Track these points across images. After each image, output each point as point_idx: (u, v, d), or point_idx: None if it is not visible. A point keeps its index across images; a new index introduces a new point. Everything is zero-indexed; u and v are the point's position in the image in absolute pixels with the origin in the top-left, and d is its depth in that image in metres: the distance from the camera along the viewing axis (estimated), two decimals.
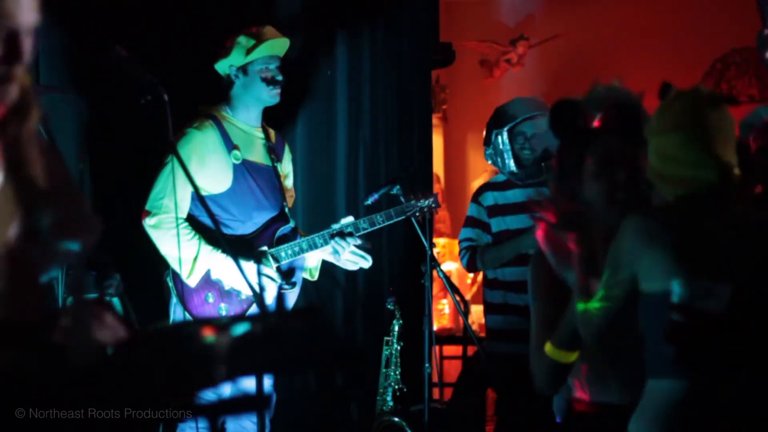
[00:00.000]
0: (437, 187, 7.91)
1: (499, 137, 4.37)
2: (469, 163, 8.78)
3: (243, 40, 3.87)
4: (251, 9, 4.62)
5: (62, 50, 4.16)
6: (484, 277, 4.51)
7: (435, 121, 7.58)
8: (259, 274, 3.75)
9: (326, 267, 4.22)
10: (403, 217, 4.01)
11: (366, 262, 3.98)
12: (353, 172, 4.87)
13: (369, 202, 4.10)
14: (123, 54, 3.03)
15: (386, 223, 4.00)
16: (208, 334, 1.26)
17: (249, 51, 3.86)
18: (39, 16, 1.40)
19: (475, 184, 7.57)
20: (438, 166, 8.19)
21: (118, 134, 4.23)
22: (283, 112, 4.75)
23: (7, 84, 1.37)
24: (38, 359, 1.19)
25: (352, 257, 3.95)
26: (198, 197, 2.90)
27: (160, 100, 2.95)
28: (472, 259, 4.35)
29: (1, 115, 1.37)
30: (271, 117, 4.14)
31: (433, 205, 4.07)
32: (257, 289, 3.61)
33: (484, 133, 4.48)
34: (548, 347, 2.39)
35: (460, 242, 4.45)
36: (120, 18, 4.30)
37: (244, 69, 3.88)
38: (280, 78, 3.90)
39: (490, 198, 4.38)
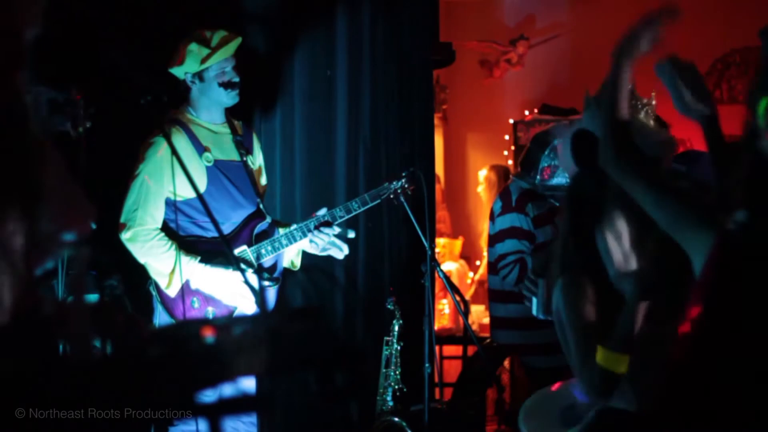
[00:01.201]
0: (438, 187, 7.90)
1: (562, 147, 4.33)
2: (469, 163, 8.78)
3: (195, 48, 3.84)
4: (252, 10, 4.62)
5: (62, 50, 4.15)
6: (497, 291, 4.49)
7: (435, 121, 7.56)
8: (259, 277, 3.75)
9: (326, 267, 4.22)
10: (378, 200, 4.01)
11: (341, 252, 3.98)
12: (353, 172, 4.87)
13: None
14: (120, 58, 3.03)
15: (362, 209, 3.99)
16: (208, 334, 1.26)
17: (203, 60, 3.83)
18: (42, 23, 1.38)
19: (481, 174, 7.55)
20: (438, 166, 8.18)
21: (117, 134, 4.22)
22: (283, 112, 4.75)
23: (2, 89, 1.34)
24: (38, 360, 1.19)
25: (330, 247, 3.95)
26: (200, 199, 2.90)
27: (161, 101, 2.96)
28: (523, 273, 4.27)
29: None
30: (271, 117, 4.14)
31: (406, 185, 4.06)
32: (257, 289, 3.62)
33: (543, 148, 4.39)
34: (601, 354, 2.35)
35: (505, 255, 4.35)
36: (120, 18, 4.30)
37: (199, 75, 3.86)
38: (237, 80, 3.89)
39: (531, 208, 4.36)
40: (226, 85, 3.86)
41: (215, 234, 3.80)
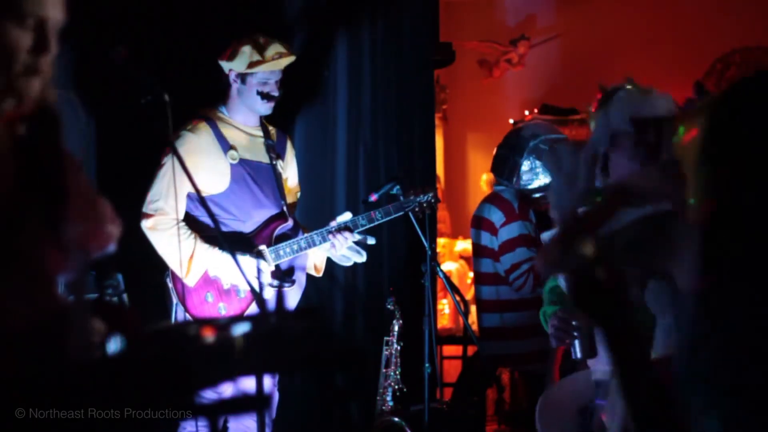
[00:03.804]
0: (438, 187, 7.90)
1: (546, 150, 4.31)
2: (469, 163, 8.78)
3: (247, 50, 3.84)
4: (252, 9, 4.62)
5: (62, 50, 4.15)
6: (492, 301, 4.48)
7: (435, 121, 7.56)
8: (258, 270, 3.76)
9: (326, 267, 4.21)
10: (402, 212, 4.02)
11: (360, 257, 3.99)
12: (353, 172, 4.87)
13: (369, 202, 4.10)
14: (124, 54, 3.03)
15: (385, 219, 4.00)
16: (209, 334, 1.26)
17: (250, 65, 3.84)
18: (64, 14, 1.40)
19: (485, 177, 7.55)
20: (438, 166, 8.18)
21: (118, 134, 4.23)
22: (284, 112, 4.75)
23: (32, 76, 1.36)
24: (41, 361, 1.19)
25: (347, 252, 3.96)
26: (199, 198, 2.90)
27: (161, 101, 2.95)
28: (537, 279, 4.20)
29: (20, 116, 1.36)
30: (271, 117, 4.14)
31: (432, 200, 4.06)
32: (256, 286, 3.62)
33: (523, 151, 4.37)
34: None
35: (518, 265, 4.33)
36: (120, 17, 4.30)
37: (242, 77, 3.87)
38: (276, 94, 3.91)
39: (533, 214, 4.36)
40: (264, 96, 3.87)
41: (235, 230, 3.82)
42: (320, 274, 4.12)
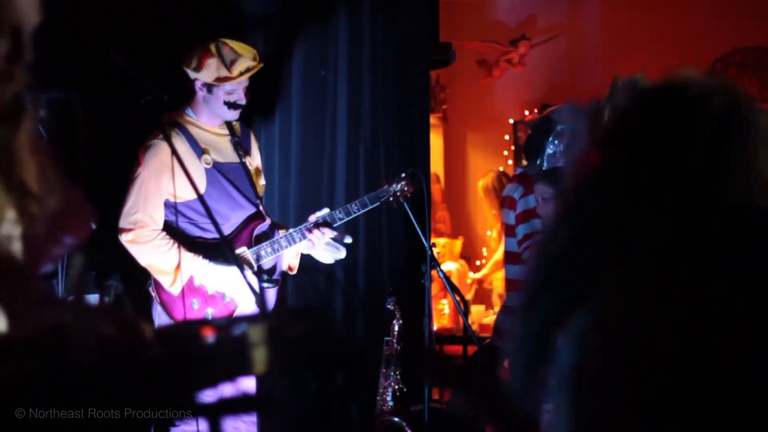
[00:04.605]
0: (437, 187, 7.90)
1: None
2: (469, 163, 8.78)
3: (214, 64, 3.81)
4: (252, 9, 4.61)
5: (61, 51, 4.15)
6: (515, 281, 4.49)
7: (435, 121, 7.57)
8: (259, 276, 3.76)
9: (326, 267, 4.21)
10: (378, 203, 4.02)
11: (339, 254, 3.99)
12: (353, 172, 4.87)
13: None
14: (121, 59, 3.03)
15: (362, 211, 4.00)
16: (208, 334, 1.26)
17: (218, 80, 3.81)
18: (40, 17, 1.39)
19: (481, 183, 7.55)
20: (438, 166, 8.19)
21: (116, 134, 4.23)
22: (284, 112, 4.75)
23: (6, 83, 1.35)
24: (38, 359, 1.19)
25: (326, 249, 3.95)
26: (200, 200, 2.90)
27: (160, 101, 2.96)
28: None
29: None
30: (270, 118, 4.14)
31: (405, 188, 4.06)
32: (257, 289, 3.62)
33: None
34: None
35: (531, 236, 4.33)
36: (119, 17, 4.30)
37: (209, 87, 3.85)
38: (243, 102, 3.89)
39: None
40: (231, 105, 3.86)
41: (215, 235, 3.79)
42: (294, 272, 4.11)
